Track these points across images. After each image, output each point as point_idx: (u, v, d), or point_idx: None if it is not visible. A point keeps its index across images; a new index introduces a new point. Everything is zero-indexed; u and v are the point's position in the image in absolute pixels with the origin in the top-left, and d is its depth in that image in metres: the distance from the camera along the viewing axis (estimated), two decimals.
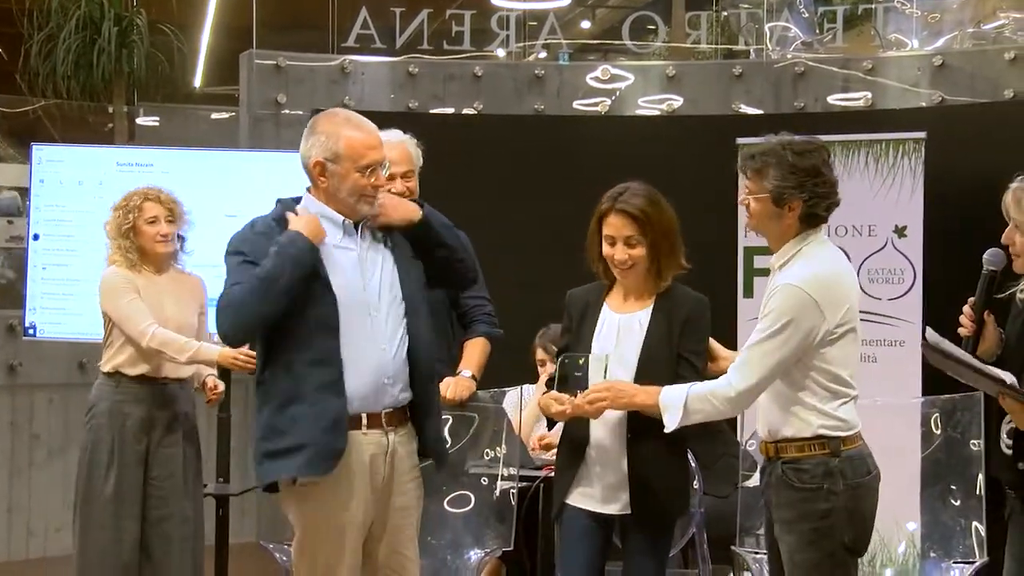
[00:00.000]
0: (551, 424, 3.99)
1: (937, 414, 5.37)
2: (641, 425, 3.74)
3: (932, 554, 5.43)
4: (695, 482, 5.09)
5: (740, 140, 5.86)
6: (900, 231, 6.12)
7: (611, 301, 3.90)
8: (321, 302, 3.59)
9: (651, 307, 3.83)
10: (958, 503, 5.29)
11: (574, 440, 3.87)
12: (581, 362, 3.72)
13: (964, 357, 3.32)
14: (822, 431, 3.51)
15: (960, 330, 3.51)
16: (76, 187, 5.60)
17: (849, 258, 6.08)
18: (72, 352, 7.33)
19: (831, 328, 3.49)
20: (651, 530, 3.85)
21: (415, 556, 3.81)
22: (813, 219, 3.56)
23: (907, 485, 5.64)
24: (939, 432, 5.45)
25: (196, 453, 5.24)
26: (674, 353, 3.78)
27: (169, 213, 5.08)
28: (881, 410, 5.43)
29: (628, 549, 3.89)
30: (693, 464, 5.07)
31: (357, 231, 3.71)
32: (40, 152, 5.84)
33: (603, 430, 3.81)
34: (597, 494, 3.84)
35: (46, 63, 8.92)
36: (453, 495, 4.66)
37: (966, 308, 3.51)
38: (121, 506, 5.02)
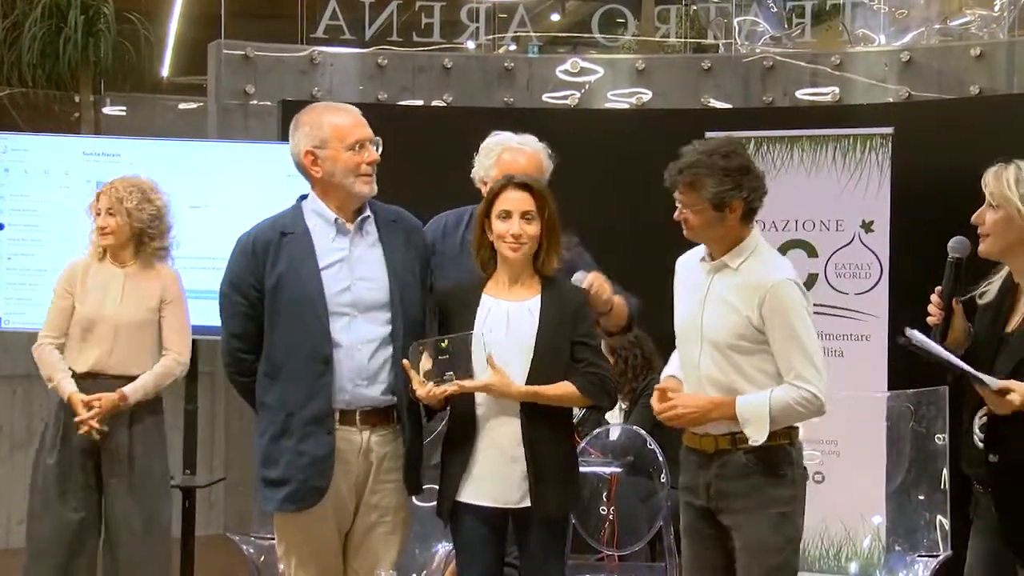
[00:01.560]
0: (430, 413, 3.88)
1: (903, 408, 5.40)
2: (536, 415, 3.70)
3: (897, 548, 5.47)
4: (663, 475, 5.10)
5: (709, 134, 5.86)
6: (867, 226, 6.15)
7: (492, 289, 3.80)
8: (316, 331, 3.65)
9: (539, 295, 3.77)
10: (923, 497, 5.33)
11: (462, 433, 3.76)
12: (444, 344, 3.64)
13: (944, 355, 3.34)
14: None
15: (928, 319, 3.54)
16: (42, 176, 5.55)
17: (816, 253, 6.19)
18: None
19: None
20: (551, 522, 3.76)
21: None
22: (751, 213, 3.66)
23: (872, 479, 5.68)
24: (905, 426, 5.49)
25: (156, 445, 5.06)
26: (568, 341, 3.74)
27: (110, 205, 4.92)
28: (847, 404, 5.47)
29: (527, 544, 3.77)
30: (660, 458, 5.09)
31: (354, 230, 3.76)
32: (5, 141, 5.79)
33: (495, 421, 3.72)
34: (493, 489, 3.72)
35: (11, 51, 8.82)
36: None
37: (934, 296, 3.54)
38: (62, 499, 4.91)
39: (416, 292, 3.81)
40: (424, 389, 3.62)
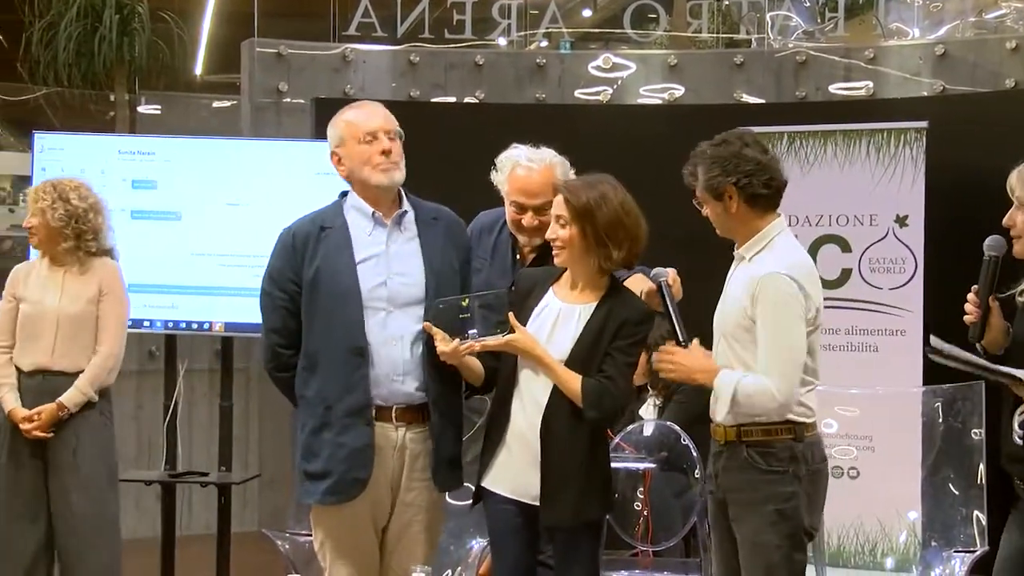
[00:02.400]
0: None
1: (938, 403, 5.37)
2: (561, 413, 3.67)
3: (933, 543, 5.44)
4: (696, 470, 5.09)
5: (742, 130, 5.85)
6: (901, 220, 6.12)
7: (559, 288, 3.81)
8: (351, 324, 3.67)
9: (596, 303, 3.74)
10: (959, 492, 5.30)
11: (497, 421, 3.77)
12: (465, 303, 3.64)
13: (971, 359, 3.32)
14: (791, 416, 3.56)
15: (966, 317, 3.52)
16: (78, 175, 5.57)
17: (850, 247, 6.16)
18: None
19: (812, 315, 3.56)
20: (563, 530, 3.73)
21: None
22: (759, 200, 3.62)
23: (907, 474, 5.65)
24: (940, 421, 5.46)
25: (102, 443, 5.03)
26: (603, 350, 3.70)
27: (32, 207, 4.98)
28: (881, 400, 5.45)
29: (555, 544, 3.77)
30: (695, 453, 5.08)
31: (391, 224, 3.78)
32: (42, 140, 5.83)
33: (524, 415, 3.71)
34: (513, 480, 3.72)
35: (47, 51, 8.90)
36: None
37: (970, 295, 3.53)
38: (15, 505, 4.93)
39: (455, 289, 3.81)
40: (449, 346, 3.62)
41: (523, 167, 4.24)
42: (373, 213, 3.78)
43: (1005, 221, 3.47)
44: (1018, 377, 3.25)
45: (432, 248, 3.80)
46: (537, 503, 3.69)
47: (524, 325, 3.71)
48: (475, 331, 3.63)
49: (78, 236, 4.96)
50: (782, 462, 3.56)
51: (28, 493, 4.92)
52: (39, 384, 4.89)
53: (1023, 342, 3.42)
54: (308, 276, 3.74)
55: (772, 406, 3.52)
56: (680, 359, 3.64)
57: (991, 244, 3.51)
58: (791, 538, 3.57)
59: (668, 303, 3.70)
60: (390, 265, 3.75)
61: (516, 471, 3.72)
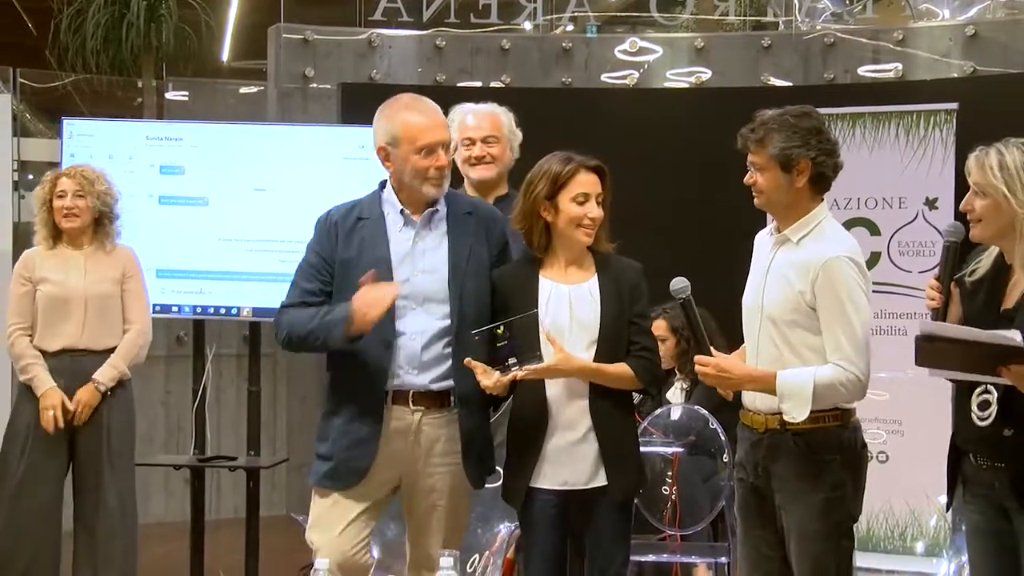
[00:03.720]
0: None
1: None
2: (603, 395, 3.70)
3: (963, 527, 5.41)
4: (725, 454, 5.08)
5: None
6: (931, 203, 6.09)
7: (549, 273, 3.79)
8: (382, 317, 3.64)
9: (595, 276, 3.77)
10: None
11: (531, 416, 3.75)
12: (500, 331, 3.62)
13: (965, 333, 3.31)
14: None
15: (927, 303, 3.51)
16: (107, 161, 5.59)
17: (879, 231, 6.12)
18: None
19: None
20: (624, 502, 3.78)
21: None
22: (822, 181, 3.59)
23: (938, 458, 5.62)
24: None
25: (128, 423, 5.17)
26: (627, 319, 3.76)
27: (79, 188, 5.06)
28: (911, 383, 5.42)
29: (595, 526, 3.76)
30: (723, 437, 5.07)
31: (420, 224, 3.78)
32: (71, 126, 5.85)
33: (564, 403, 3.71)
34: (565, 472, 3.72)
35: (75, 38, 8.92)
36: None
37: (931, 281, 3.51)
38: (33, 482, 5.00)
39: (483, 284, 3.81)
40: (491, 379, 3.61)
41: (471, 114, 4.75)
42: (402, 211, 3.78)
43: (962, 206, 3.48)
44: (1012, 340, 3.22)
45: (462, 245, 3.79)
46: (587, 487, 3.71)
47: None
48: (514, 360, 3.61)
49: (110, 221, 5.13)
50: (830, 450, 3.53)
51: (53, 480, 4.98)
52: (68, 364, 4.98)
53: (978, 320, 3.39)
54: (341, 265, 3.75)
55: (857, 392, 3.52)
56: (729, 369, 3.59)
57: (949, 230, 3.50)
58: (840, 526, 3.56)
59: (692, 318, 3.64)
60: (415, 263, 3.75)
61: (568, 462, 3.72)
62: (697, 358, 3.61)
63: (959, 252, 3.50)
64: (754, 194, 3.64)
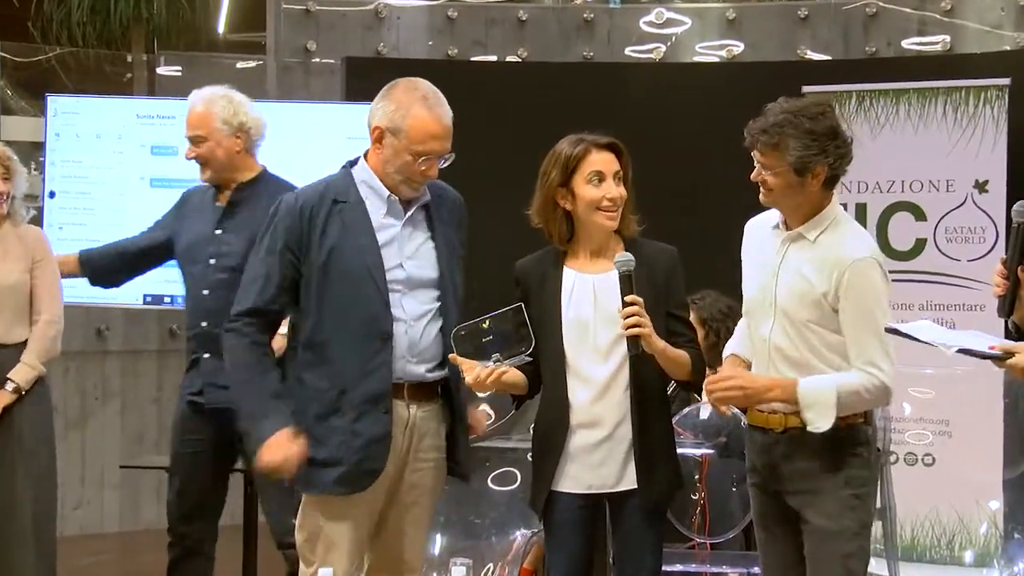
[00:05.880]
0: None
1: (1022, 384, 5.33)
2: (642, 387, 3.70)
3: (1016, 535, 5.42)
4: None
5: (806, 88, 5.82)
6: (981, 186, 6.08)
7: (574, 264, 3.79)
8: (376, 306, 3.68)
9: None
10: None
11: (554, 416, 3.75)
12: (486, 326, 3.64)
13: (926, 334, 3.36)
14: None
15: (994, 290, 3.51)
16: (94, 141, 5.63)
17: (925, 216, 6.12)
18: (88, 318, 7.41)
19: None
20: (656, 507, 3.79)
21: (416, 559, 3.92)
22: (833, 181, 3.63)
23: (988, 461, 5.63)
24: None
25: (44, 424, 5.04)
26: (662, 312, 3.72)
27: (4, 171, 4.92)
28: (959, 380, 5.42)
29: (625, 531, 3.77)
30: None
31: (406, 211, 3.79)
32: (56, 103, 5.88)
33: (592, 400, 3.71)
34: (591, 474, 3.73)
35: (60, 9, 8.94)
36: (498, 472, 4.67)
37: (998, 266, 3.51)
38: None
39: (461, 268, 3.87)
40: (472, 375, 3.62)
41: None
42: (389, 196, 3.78)
43: None
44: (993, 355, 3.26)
45: (443, 228, 3.84)
46: (615, 490, 3.71)
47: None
48: (497, 355, 3.63)
49: (19, 200, 4.97)
50: (857, 445, 3.60)
51: None
52: None
53: None
54: (320, 254, 3.72)
55: (882, 398, 3.58)
56: (745, 383, 3.62)
57: (1020, 210, 3.48)
58: (866, 527, 3.63)
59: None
60: (403, 249, 3.76)
61: (594, 463, 3.73)
62: (711, 380, 3.63)
63: None
64: (762, 192, 3.66)
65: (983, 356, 3.33)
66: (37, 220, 6.12)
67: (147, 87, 8.94)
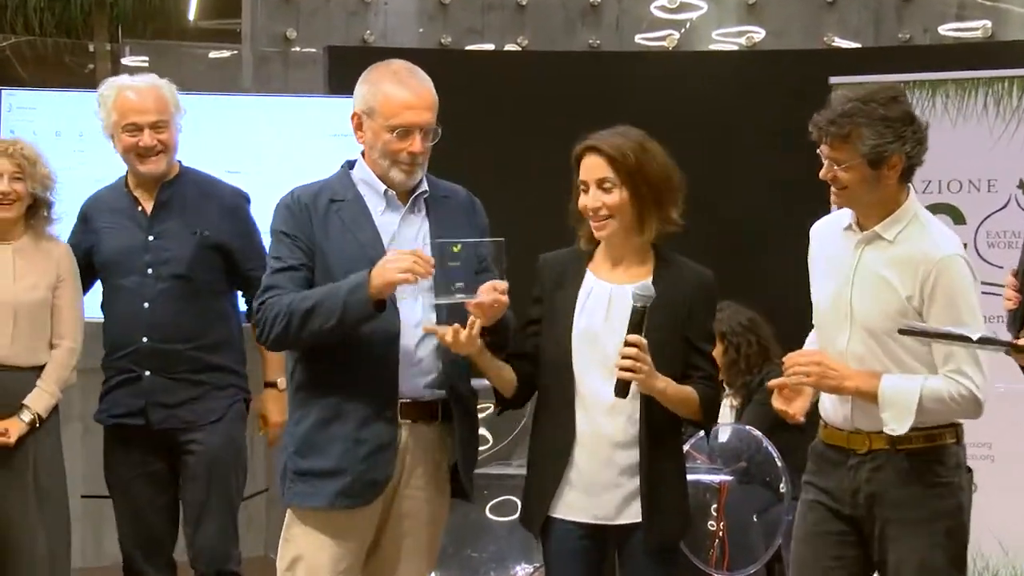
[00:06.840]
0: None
1: None
2: (656, 418, 3.67)
3: None
4: (782, 484, 5.08)
5: (833, 80, 5.82)
6: None
7: (597, 268, 3.79)
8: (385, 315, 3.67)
9: (650, 278, 3.71)
10: None
11: (557, 427, 3.73)
12: (456, 249, 3.59)
13: (937, 329, 3.38)
14: None
15: (1004, 303, 3.53)
16: (53, 139, 5.62)
17: (964, 219, 6.12)
18: None
19: None
20: (661, 544, 3.73)
21: None
22: (910, 173, 3.61)
23: None
24: None
25: (56, 455, 5.00)
26: (681, 336, 3.71)
27: (17, 169, 4.85)
28: (1003, 399, 5.40)
29: (632, 569, 3.75)
30: (780, 463, 5.07)
31: (406, 205, 3.82)
32: (11, 98, 5.88)
33: (602, 416, 3.69)
34: (593, 503, 3.70)
35: None
36: (496, 501, 4.67)
37: (1008, 277, 3.53)
38: None
39: None
40: (450, 334, 3.56)
41: (131, 90, 4.80)
42: (385, 191, 3.81)
43: None
44: (970, 338, 3.27)
45: (442, 230, 3.82)
46: (611, 522, 3.69)
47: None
48: (461, 284, 3.60)
49: (47, 207, 4.94)
50: (949, 471, 3.58)
51: None
52: None
53: None
54: (320, 254, 3.76)
55: (971, 409, 3.54)
56: (826, 360, 3.61)
57: None
58: (958, 558, 3.61)
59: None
60: (401, 248, 3.75)
61: (590, 491, 3.70)
62: (792, 355, 3.63)
63: None
64: (833, 191, 3.64)
65: (1006, 345, 3.33)
66: None
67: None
